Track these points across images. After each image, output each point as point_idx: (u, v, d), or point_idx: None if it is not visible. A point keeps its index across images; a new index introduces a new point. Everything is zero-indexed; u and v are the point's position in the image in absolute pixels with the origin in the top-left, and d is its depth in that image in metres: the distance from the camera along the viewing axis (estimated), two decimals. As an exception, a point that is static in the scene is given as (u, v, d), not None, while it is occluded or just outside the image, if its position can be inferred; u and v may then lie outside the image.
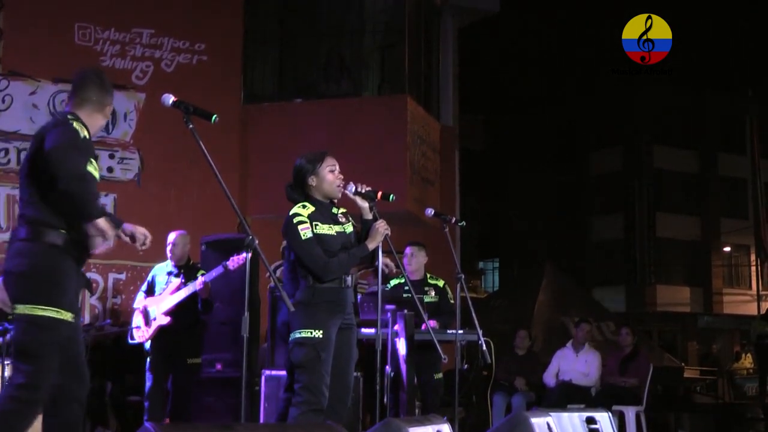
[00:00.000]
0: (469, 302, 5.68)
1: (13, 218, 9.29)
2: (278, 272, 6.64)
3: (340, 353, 4.63)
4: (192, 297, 6.86)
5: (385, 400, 5.15)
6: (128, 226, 3.84)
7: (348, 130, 10.53)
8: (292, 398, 4.54)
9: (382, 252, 4.84)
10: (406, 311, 5.79)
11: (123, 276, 9.73)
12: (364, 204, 4.80)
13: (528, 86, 33.97)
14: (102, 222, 3.68)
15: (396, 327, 5.75)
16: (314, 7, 12.03)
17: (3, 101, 9.70)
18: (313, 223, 4.64)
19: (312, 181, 4.75)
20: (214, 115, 3.75)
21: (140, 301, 7.14)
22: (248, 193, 10.41)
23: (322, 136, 10.14)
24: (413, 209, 10.05)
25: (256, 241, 3.76)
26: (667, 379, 12.34)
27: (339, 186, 4.75)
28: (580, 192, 30.70)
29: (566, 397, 8.77)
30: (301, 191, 4.78)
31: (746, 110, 27.07)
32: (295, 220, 4.63)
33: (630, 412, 8.89)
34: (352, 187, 4.77)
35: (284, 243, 4.84)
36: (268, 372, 6.33)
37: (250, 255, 3.84)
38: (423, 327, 5.49)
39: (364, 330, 5.50)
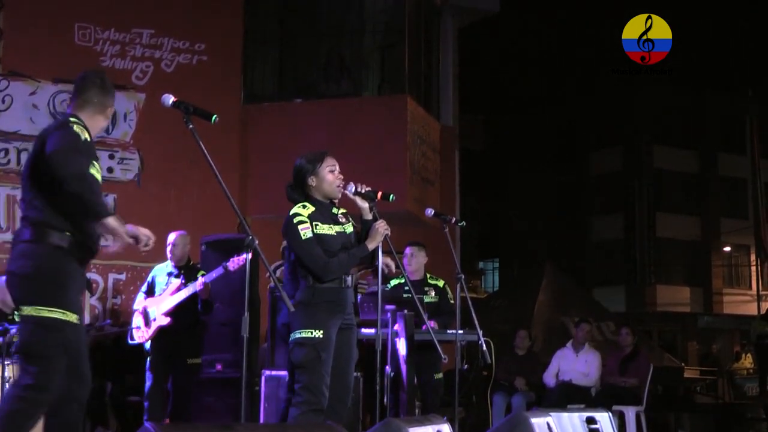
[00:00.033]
0: (469, 302, 5.68)
1: (13, 218, 9.29)
2: (278, 272, 6.63)
3: (340, 353, 4.63)
4: (192, 298, 6.86)
5: (385, 400, 5.14)
6: (131, 228, 3.85)
7: (348, 130, 10.53)
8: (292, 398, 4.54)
9: (382, 252, 4.84)
10: (406, 311, 5.79)
11: (123, 276, 9.73)
12: (364, 204, 4.80)
13: (528, 86, 34.00)
14: (112, 221, 3.68)
15: (396, 327, 5.75)
16: (314, 7, 12.03)
17: (3, 101, 9.70)
18: (314, 223, 4.64)
19: (312, 181, 4.75)
20: (214, 116, 3.75)
21: (140, 302, 7.13)
22: (248, 193, 10.41)
23: (322, 136, 10.14)
24: (413, 209, 10.05)
25: (256, 242, 3.76)
26: (667, 379, 12.34)
27: (339, 186, 4.75)
28: (580, 192, 30.70)
29: (566, 397, 8.77)
30: (301, 191, 4.78)
31: (746, 110, 27.08)
32: (295, 220, 4.63)
33: (630, 412, 8.89)
34: (352, 188, 4.77)
35: (284, 243, 4.84)
36: (268, 372, 6.32)
37: (250, 255, 3.85)
38: (423, 327, 5.49)
39: (364, 330, 5.50)
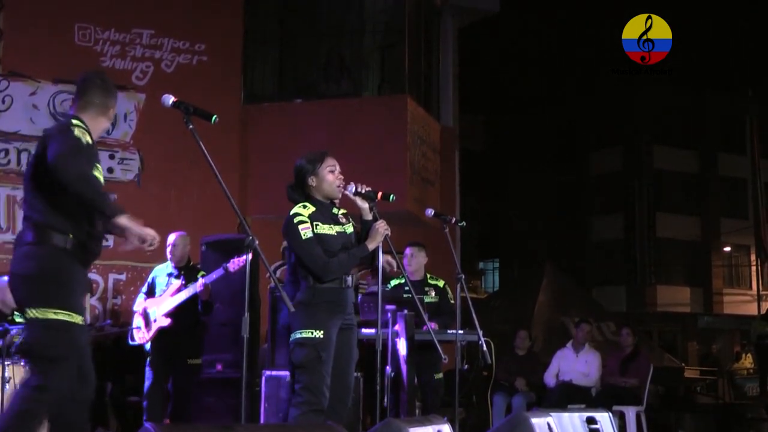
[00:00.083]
0: (470, 302, 5.68)
1: (14, 219, 9.29)
2: (279, 272, 6.64)
3: (341, 353, 4.63)
4: (192, 298, 6.85)
5: (386, 400, 5.14)
6: (136, 228, 3.85)
7: (348, 130, 10.53)
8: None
9: (382, 252, 4.84)
10: (406, 311, 5.79)
11: (123, 276, 9.73)
12: (364, 204, 4.80)
13: (528, 86, 34.00)
14: (124, 219, 3.69)
15: (396, 327, 5.74)
16: (314, 7, 12.03)
17: (3, 102, 9.70)
18: (314, 223, 4.64)
19: (312, 181, 4.74)
20: (214, 116, 3.75)
21: (140, 303, 7.13)
22: (248, 193, 10.41)
23: (322, 136, 10.14)
24: (413, 209, 10.05)
25: (257, 242, 3.75)
26: (668, 380, 12.34)
27: (339, 186, 4.74)
28: (580, 192, 30.70)
29: (566, 397, 8.77)
30: (301, 191, 4.78)
31: (746, 110, 27.08)
32: (295, 220, 4.63)
33: (630, 413, 8.89)
34: (352, 188, 4.76)
35: (285, 243, 4.84)
36: (268, 372, 6.32)
37: (250, 256, 3.84)
38: (423, 327, 5.49)
39: (364, 330, 5.50)
